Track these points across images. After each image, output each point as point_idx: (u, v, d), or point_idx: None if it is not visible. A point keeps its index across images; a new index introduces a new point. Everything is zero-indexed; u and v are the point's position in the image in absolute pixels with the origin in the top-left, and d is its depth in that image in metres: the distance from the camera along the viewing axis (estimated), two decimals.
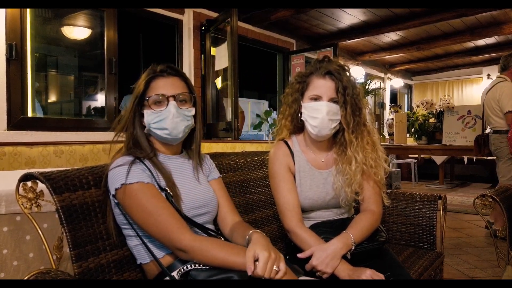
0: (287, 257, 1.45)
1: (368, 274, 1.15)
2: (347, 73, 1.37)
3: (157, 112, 1.16)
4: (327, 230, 1.35)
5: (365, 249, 1.30)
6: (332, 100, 1.34)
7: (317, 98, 1.34)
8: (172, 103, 1.16)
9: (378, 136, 1.43)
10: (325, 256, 1.21)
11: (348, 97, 1.32)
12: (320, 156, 1.45)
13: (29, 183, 1.06)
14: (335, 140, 1.43)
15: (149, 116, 1.17)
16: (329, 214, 1.45)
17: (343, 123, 1.34)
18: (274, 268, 0.97)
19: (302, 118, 1.39)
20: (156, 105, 1.16)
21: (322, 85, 1.34)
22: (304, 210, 1.43)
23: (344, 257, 1.25)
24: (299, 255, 1.27)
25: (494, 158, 3.81)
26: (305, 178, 1.42)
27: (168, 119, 1.15)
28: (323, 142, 1.43)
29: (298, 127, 1.47)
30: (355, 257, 1.27)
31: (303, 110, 1.38)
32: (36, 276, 0.87)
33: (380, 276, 1.15)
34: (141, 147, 1.18)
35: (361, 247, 1.30)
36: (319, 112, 1.32)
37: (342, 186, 1.38)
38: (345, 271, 1.20)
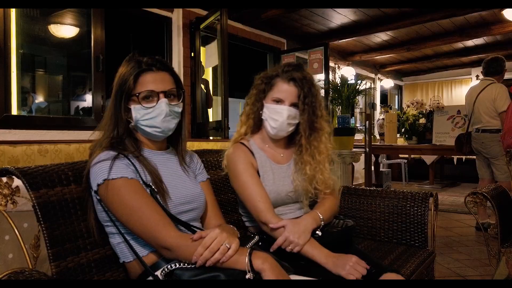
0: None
1: (354, 260, 1.18)
2: (311, 82, 1.43)
3: (147, 108, 1.10)
4: None
5: (337, 233, 1.34)
6: (293, 104, 1.41)
7: (279, 101, 1.41)
8: (164, 100, 1.11)
9: (331, 145, 1.47)
10: (298, 228, 1.27)
11: (307, 105, 1.39)
12: (278, 151, 1.51)
13: (4, 179, 1.01)
14: (293, 141, 1.49)
15: (138, 112, 1.11)
16: (290, 209, 1.47)
17: (301, 128, 1.42)
18: (225, 245, 0.96)
19: (262, 117, 1.45)
20: (145, 101, 1.11)
21: (286, 90, 1.41)
22: None
23: (314, 237, 1.29)
24: (272, 226, 1.30)
25: (474, 157, 3.94)
26: (267, 172, 1.44)
27: (160, 117, 1.11)
28: (280, 139, 1.49)
29: (257, 125, 1.52)
30: (326, 240, 1.29)
31: (265, 110, 1.44)
32: (9, 276, 0.82)
33: (363, 263, 1.19)
34: (125, 145, 1.12)
35: (332, 232, 1.34)
36: (280, 116, 1.39)
37: (302, 183, 1.43)
38: (328, 258, 1.22)
